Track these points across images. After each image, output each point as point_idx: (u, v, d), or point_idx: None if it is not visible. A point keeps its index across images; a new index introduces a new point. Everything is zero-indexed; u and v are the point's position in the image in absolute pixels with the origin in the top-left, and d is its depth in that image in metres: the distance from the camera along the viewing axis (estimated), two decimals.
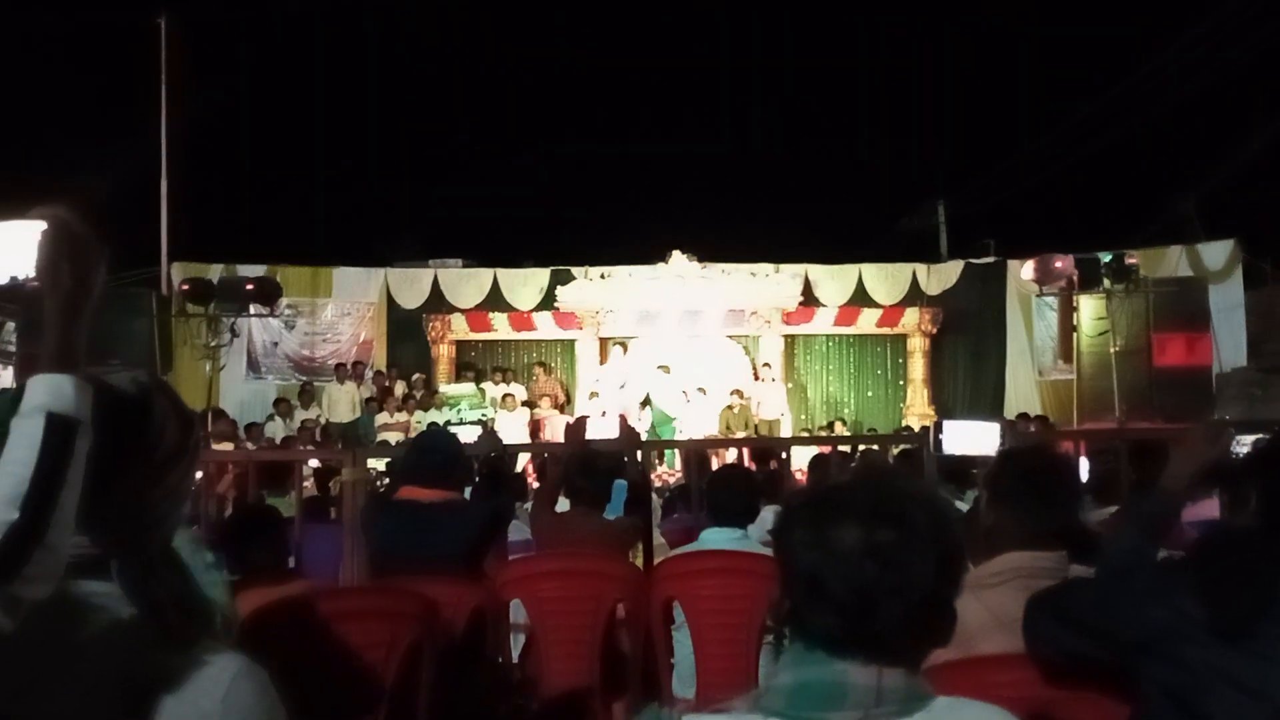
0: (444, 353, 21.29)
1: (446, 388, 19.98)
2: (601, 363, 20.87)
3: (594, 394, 19.26)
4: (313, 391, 20.02)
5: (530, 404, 19.70)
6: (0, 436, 1.62)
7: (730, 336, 20.95)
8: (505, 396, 19.29)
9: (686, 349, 20.44)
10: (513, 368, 21.27)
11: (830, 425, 20.12)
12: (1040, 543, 3.30)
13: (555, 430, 17.69)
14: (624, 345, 20.58)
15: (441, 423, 15.74)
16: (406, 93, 28.71)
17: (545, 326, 21.30)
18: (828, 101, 29.98)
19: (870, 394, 22.01)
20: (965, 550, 2.00)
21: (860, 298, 21.66)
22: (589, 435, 6.37)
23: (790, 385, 21.23)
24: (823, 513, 1.94)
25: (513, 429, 17.70)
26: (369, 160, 28.66)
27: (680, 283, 20.69)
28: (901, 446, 8.45)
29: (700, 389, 19.40)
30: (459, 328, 21.39)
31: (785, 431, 19.13)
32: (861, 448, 9.70)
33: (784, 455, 9.32)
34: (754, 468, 8.89)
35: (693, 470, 8.18)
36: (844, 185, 27.12)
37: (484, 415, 17.52)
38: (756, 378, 20.25)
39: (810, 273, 21.64)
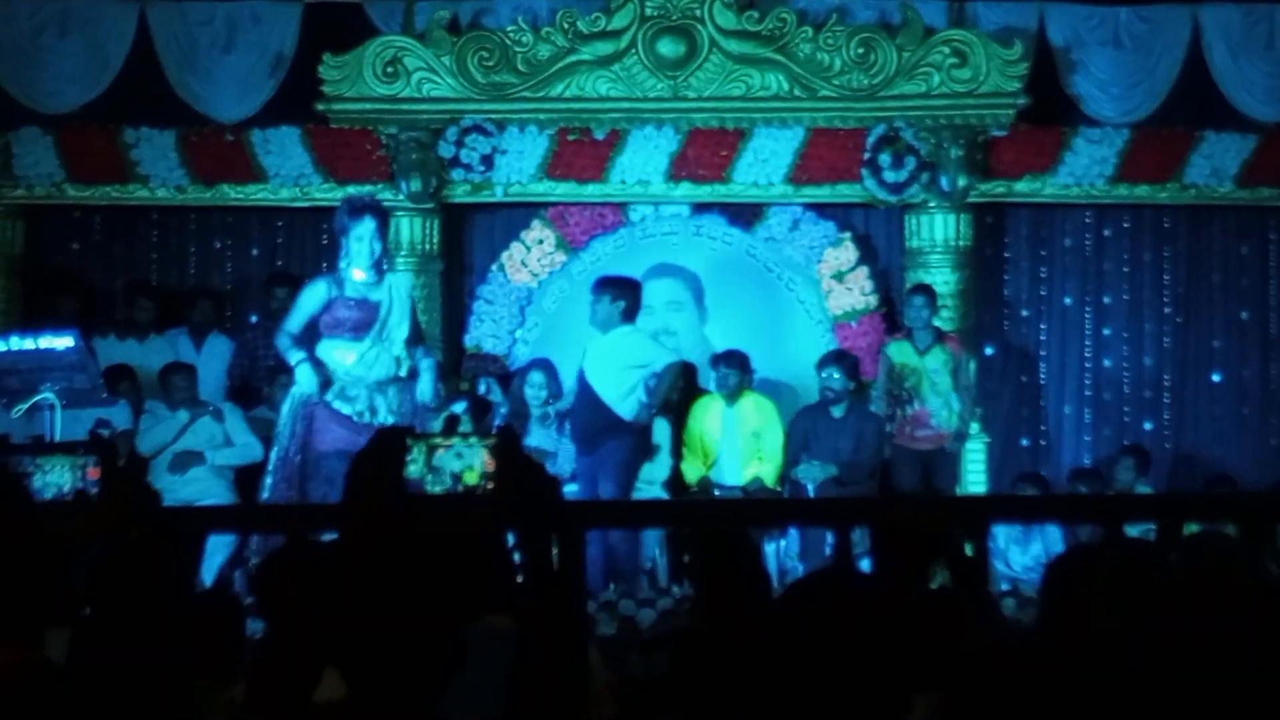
0: None
1: None
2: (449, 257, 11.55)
3: (470, 364, 10.64)
4: None
5: (261, 397, 10.18)
6: None
7: (822, 206, 10.85)
8: (171, 373, 9.78)
9: (697, 243, 11.13)
10: (203, 286, 11.09)
11: (1101, 467, 10.93)
12: None
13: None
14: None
15: None
16: None
17: (286, 158, 10.78)
18: None
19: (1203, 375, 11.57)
20: None
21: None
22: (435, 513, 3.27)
23: (996, 350, 11.23)
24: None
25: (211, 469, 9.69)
26: None
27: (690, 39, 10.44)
28: None
29: (733, 359, 9.91)
30: (35, 160, 10.88)
31: (972, 477, 10.41)
32: (1189, 529, 5.70)
33: (978, 543, 5.19)
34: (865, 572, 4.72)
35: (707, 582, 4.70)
36: None
37: (99, 442, 7.42)
38: (893, 328, 10.75)
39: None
